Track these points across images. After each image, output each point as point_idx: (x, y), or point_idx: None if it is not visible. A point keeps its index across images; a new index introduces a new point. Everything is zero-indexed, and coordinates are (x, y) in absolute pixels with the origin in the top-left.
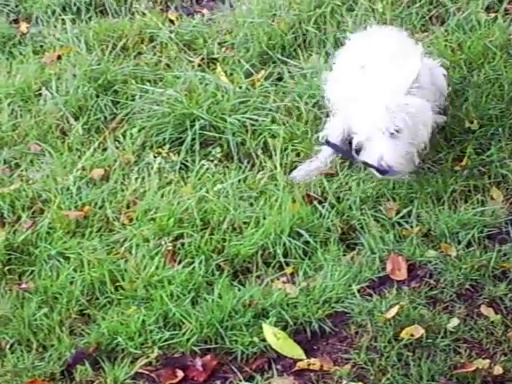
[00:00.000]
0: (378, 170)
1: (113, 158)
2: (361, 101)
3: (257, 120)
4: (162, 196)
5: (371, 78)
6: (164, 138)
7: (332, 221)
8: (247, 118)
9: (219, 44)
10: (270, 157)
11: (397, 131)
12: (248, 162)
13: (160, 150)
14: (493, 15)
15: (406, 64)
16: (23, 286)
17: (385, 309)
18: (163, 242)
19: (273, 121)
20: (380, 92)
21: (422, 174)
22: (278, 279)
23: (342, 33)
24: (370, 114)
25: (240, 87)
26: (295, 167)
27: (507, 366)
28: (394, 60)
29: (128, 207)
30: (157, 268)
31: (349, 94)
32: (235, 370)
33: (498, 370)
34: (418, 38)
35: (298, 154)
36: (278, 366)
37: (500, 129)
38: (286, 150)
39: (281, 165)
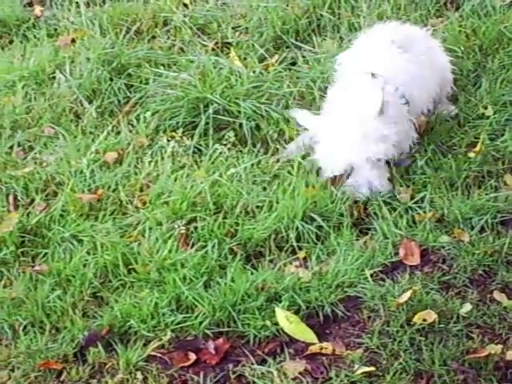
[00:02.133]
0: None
1: (126, 141)
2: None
3: (270, 104)
4: (176, 180)
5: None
6: (177, 122)
7: (345, 205)
8: (261, 103)
9: (233, 28)
10: (284, 141)
11: (378, 160)
12: (261, 146)
13: (173, 133)
14: (508, 0)
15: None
16: (36, 268)
17: (397, 293)
18: (176, 226)
19: (286, 106)
20: (354, 119)
21: (435, 160)
22: (291, 263)
23: (356, 17)
24: (348, 144)
25: (254, 72)
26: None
27: None
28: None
29: (141, 190)
30: (170, 251)
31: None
32: (247, 354)
33: (510, 355)
34: (432, 24)
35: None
36: (291, 350)
37: None
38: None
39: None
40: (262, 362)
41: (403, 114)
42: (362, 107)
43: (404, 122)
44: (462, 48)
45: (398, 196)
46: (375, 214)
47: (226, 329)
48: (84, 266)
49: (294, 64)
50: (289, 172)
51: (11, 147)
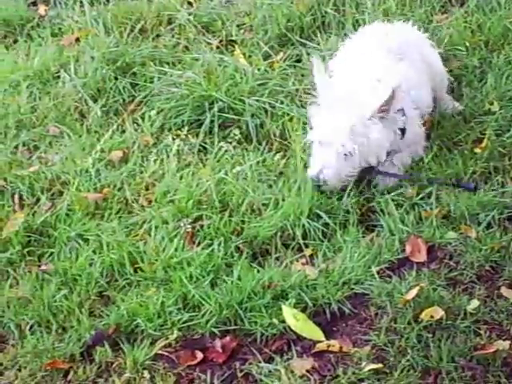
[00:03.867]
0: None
1: (131, 140)
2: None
3: (276, 102)
4: (181, 178)
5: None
6: (182, 120)
7: (351, 202)
8: (266, 102)
9: (238, 26)
10: (289, 139)
11: (350, 154)
12: (267, 144)
13: (179, 132)
14: None
15: (378, 89)
16: (43, 267)
17: (404, 290)
18: (182, 224)
19: (292, 103)
20: (349, 111)
21: (441, 156)
22: (298, 261)
23: (360, 14)
24: (335, 127)
25: (258, 69)
26: None
27: None
28: (373, 78)
29: (147, 189)
30: (176, 250)
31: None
32: (254, 352)
33: None
34: (437, 20)
35: None
36: (298, 348)
37: None
38: (304, 132)
39: (300, 147)
40: (269, 359)
41: (414, 118)
42: (362, 104)
43: (415, 126)
44: (468, 44)
45: (404, 192)
46: (381, 210)
47: (232, 327)
48: (90, 265)
49: (299, 61)
50: (294, 169)
51: (16, 147)
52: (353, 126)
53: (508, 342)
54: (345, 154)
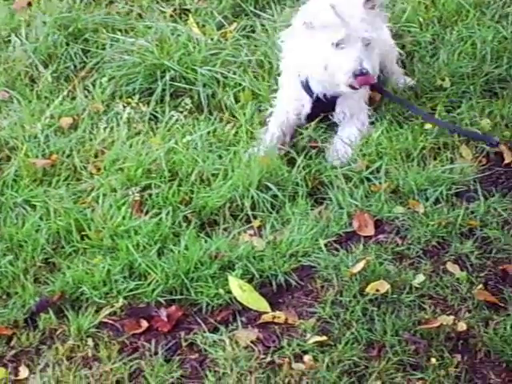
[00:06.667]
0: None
1: (82, 106)
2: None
3: (228, 72)
4: (131, 146)
5: None
6: (134, 88)
7: (300, 175)
8: (218, 72)
9: None
10: (240, 109)
11: (369, 42)
12: (218, 114)
13: (129, 100)
14: None
15: None
16: None
17: (351, 263)
18: (130, 193)
19: (244, 74)
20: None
21: (391, 131)
22: (245, 232)
23: None
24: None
25: (212, 39)
26: (264, 121)
27: (471, 322)
28: None
29: (96, 157)
30: (123, 218)
31: None
32: (200, 322)
33: (461, 326)
34: None
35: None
36: (243, 319)
37: (471, 87)
38: (256, 103)
39: (251, 118)
40: (214, 330)
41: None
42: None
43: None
44: (421, 19)
45: (353, 165)
46: (331, 183)
47: (178, 296)
48: (36, 231)
49: (252, 32)
50: (244, 140)
51: None
52: (363, 19)
53: (452, 317)
54: (366, 45)
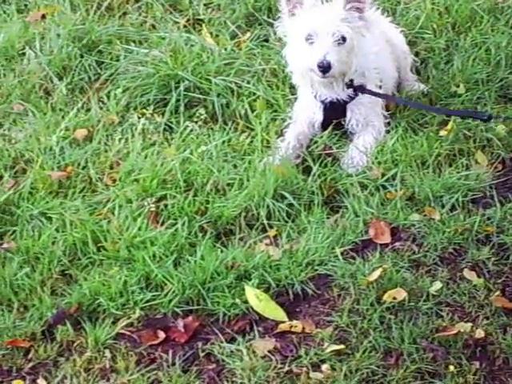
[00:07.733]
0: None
1: (96, 118)
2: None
3: (242, 82)
4: (146, 157)
5: None
6: (148, 99)
7: (316, 183)
8: (232, 81)
9: (205, 5)
10: (256, 118)
11: (343, 39)
12: (232, 124)
13: (144, 110)
14: None
15: None
16: (5, 245)
17: (368, 272)
18: (146, 203)
19: (258, 83)
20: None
21: (407, 138)
22: (261, 241)
23: None
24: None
25: (225, 49)
26: (280, 131)
27: (489, 329)
28: None
29: (111, 168)
30: (139, 229)
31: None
32: (217, 332)
33: (479, 333)
34: (404, 2)
35: (283, 119)
36: (260, 328)
37: (486, 93)
38: (271, 112)
39: (266, 127)
40: (232, 340)
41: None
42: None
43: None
44: (435, 26)
45: (368, 173)
46: (346, 191)
47: (195, 307)
48: (53, 243)
49: (266, 41)
50: (259, 150)
51: None
52: (340, 15)
53: (469, 324)
54: (339, 41)
